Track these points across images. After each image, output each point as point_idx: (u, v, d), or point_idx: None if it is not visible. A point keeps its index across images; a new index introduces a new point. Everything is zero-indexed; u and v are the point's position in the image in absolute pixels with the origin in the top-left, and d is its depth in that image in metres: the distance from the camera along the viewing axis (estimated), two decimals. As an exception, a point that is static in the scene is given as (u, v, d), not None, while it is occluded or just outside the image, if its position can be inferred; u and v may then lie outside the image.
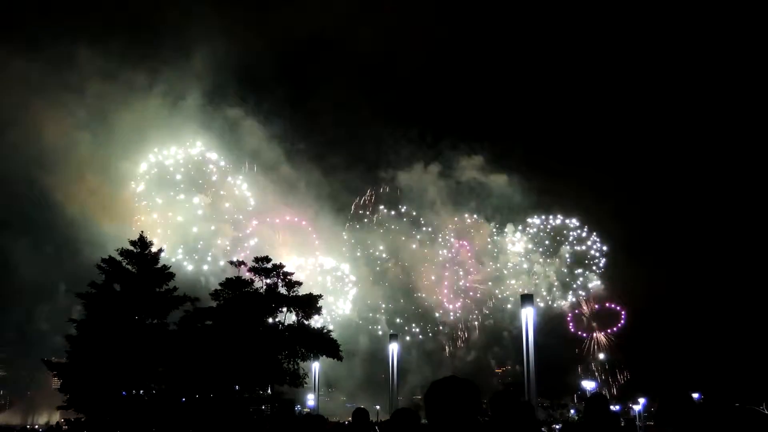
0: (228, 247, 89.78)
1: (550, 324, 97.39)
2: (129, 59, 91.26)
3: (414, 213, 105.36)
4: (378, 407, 69.71)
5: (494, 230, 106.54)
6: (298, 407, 61.31)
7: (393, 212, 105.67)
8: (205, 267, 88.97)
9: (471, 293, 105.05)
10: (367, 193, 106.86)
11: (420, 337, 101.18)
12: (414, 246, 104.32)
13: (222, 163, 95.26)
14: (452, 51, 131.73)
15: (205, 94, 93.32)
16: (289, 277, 47.28)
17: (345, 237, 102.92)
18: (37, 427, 77.09)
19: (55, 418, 65.02)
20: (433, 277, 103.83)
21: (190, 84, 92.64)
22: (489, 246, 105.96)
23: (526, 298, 19.05)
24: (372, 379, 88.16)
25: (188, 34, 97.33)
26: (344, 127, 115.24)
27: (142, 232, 42.27)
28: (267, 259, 47.34)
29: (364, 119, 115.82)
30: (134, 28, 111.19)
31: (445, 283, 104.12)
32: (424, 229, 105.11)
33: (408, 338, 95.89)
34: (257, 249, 78.84)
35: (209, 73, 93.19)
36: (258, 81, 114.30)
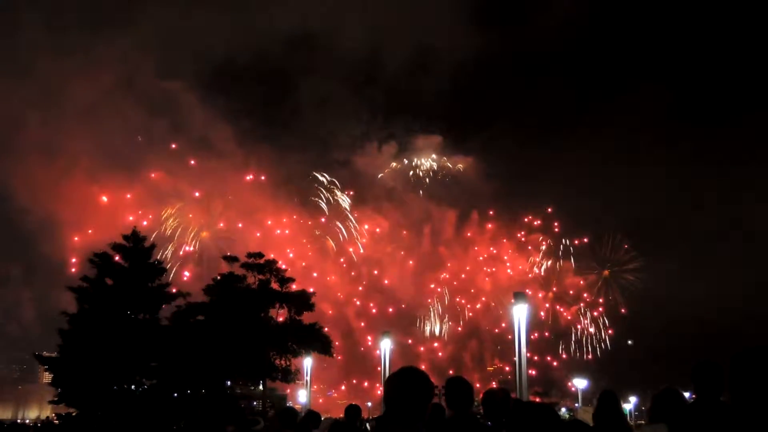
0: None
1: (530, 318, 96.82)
2: (81, 34, 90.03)
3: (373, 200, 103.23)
4: (369, 404, 69.77)
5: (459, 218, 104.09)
6: (289, 403, 61.27)
7: (351, 201, 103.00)
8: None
9: (444, 287, 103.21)
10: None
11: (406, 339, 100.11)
12: (377, 230, 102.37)
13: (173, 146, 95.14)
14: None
15: (156, 69, 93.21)
16: (282, 274, 47.27)
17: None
18: (27, 422, 76.73)
19: (47, 412, 64.76)
20: (402, 270, 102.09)
21: (145, 62, 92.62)
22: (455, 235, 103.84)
23: (519, 296, 19.06)
24: (349, 375, 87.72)
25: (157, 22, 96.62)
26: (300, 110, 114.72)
27: (135, 227, 42.02)
28: (260, 255, 47.27)
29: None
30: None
31: (417, 277, 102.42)
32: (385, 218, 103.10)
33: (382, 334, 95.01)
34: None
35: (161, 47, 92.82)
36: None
